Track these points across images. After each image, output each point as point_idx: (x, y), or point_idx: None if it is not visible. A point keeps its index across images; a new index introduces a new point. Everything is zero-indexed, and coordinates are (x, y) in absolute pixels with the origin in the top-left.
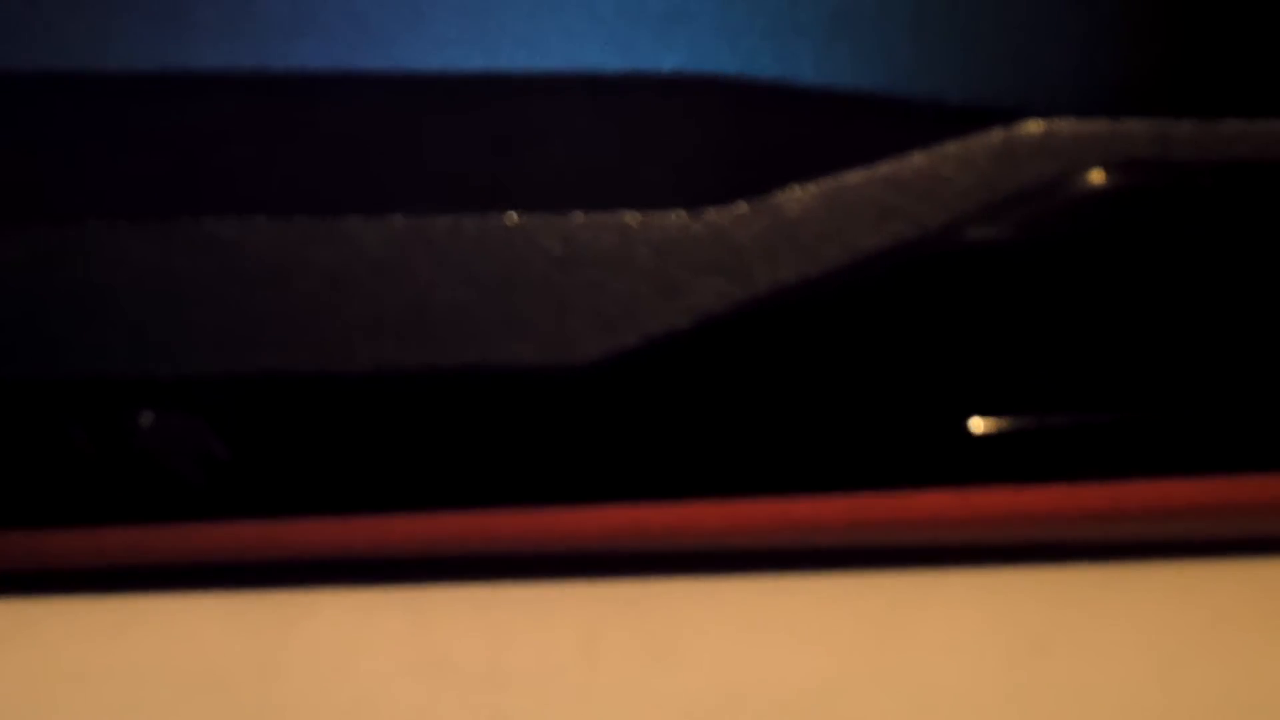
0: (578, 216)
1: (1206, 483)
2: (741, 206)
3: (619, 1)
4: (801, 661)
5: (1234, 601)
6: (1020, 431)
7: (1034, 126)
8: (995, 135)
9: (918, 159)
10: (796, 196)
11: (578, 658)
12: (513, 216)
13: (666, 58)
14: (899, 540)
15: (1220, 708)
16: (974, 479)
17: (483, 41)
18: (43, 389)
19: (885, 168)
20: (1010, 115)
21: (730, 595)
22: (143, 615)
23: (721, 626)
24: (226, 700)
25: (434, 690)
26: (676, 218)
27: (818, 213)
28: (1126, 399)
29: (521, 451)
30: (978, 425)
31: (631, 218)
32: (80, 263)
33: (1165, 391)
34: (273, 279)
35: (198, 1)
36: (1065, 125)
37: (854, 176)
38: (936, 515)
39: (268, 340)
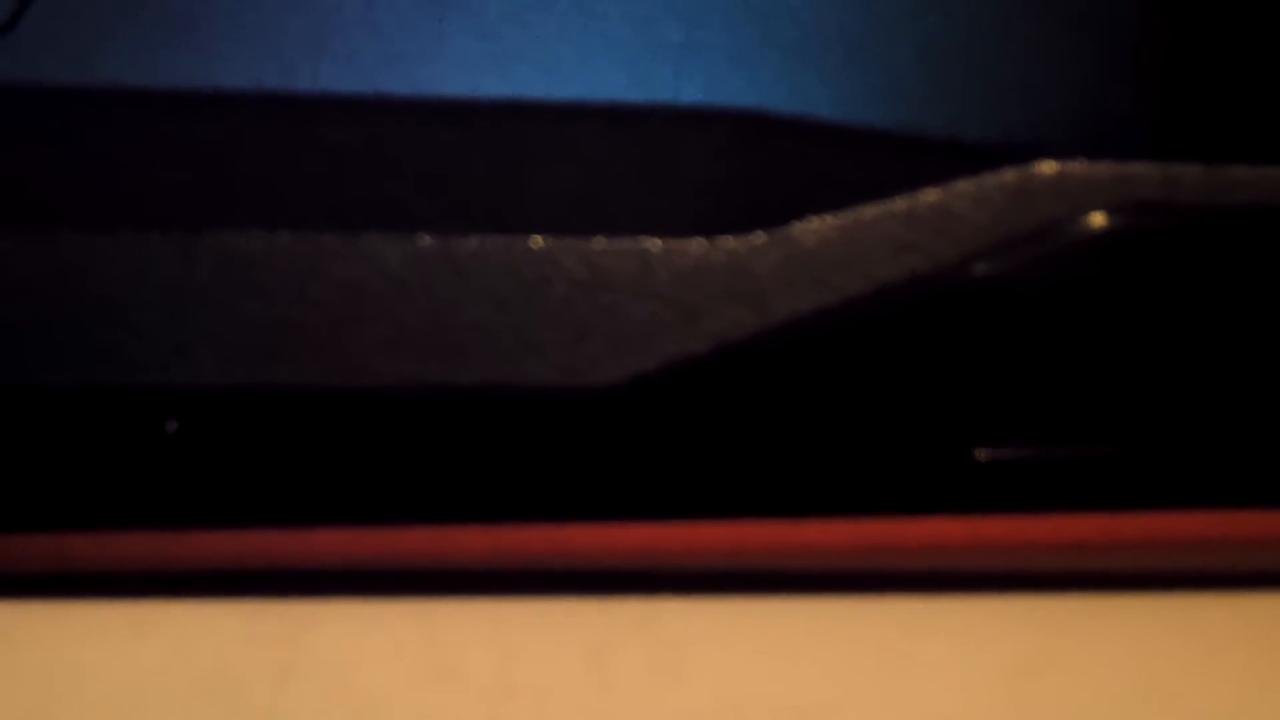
0: (599, 241)
1: (1203, 516)
2: (759, 236)
3: (638, 32)
4: (804, 682)
5: (1228, 634)
6: (1023, 462)
7: (1047, 167)
8: (1008, 174)
9: (932, 195)
10: (813, 228)
11: (585, 673)
12: (537, 240)
13: (685, 89)
14: (903, 566)
15: None
16: (977, 508)
17: (503, 67)
18: (67, 396)
19: (900, 202)
20: (1023, 155)
21: (736, 615)
22: (156, 620)
23: (727, 646)
24: (237, 706)
25: (442, 701)
26: (696, 245)
27: (834, 244)
28: (1127, 433)
29: (536, 469)
30: (982, 455)
31: (652, 244)
32: (106, 273)
33: (1164, 427)
34: (295, 294)
35: (224, 21)
36: (1077, 167)
37: (870, 210)
38: (940, 542)
39: (289, 353)
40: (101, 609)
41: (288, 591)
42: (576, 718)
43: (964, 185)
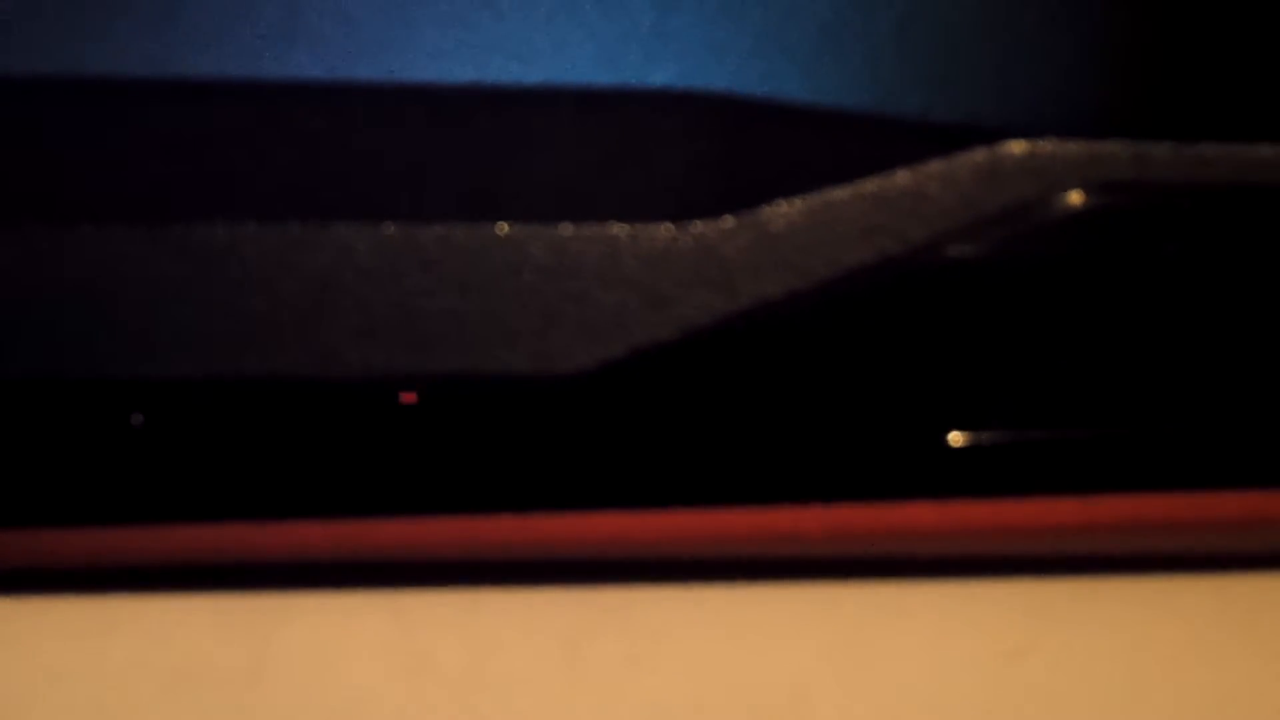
0: (566, 228)
1: (1180, 499)
2: (728, 221)
3: (609, 17)
4: (779, 669)
5: (1208, 617)
6: (998, 445)
7: (1017, 147)
8: (979, 154)
9: (902, 177)
10: (783, 212)
11: (559, 663)
12: (503, 227)
13: (655, 73)
14: (877, 551)
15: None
16: (952, 492)
17: (473, 53)
18: (33, 389)
19: (870, 184)
20: (993, 135)
21: (711, 603)
22: (127, 616)
23: (702, 633)
24: (209, 700)
25: (416, 693)
26: (664, 231)
27: (803, 228)
28: (1103, 415)
29: (507, 459)
30: (956, 439)
31: (620, 229)
32: (71, 265)
33: (1141, 408)
34: (263, 284)
35: (190, 8)
36: (1047, 146)
37: (839, 193)
38: (914, 527)
39: (257, 344)
40: (71, 605)
41: (260, 585)
42: (551, 707)
43: (935, 166)
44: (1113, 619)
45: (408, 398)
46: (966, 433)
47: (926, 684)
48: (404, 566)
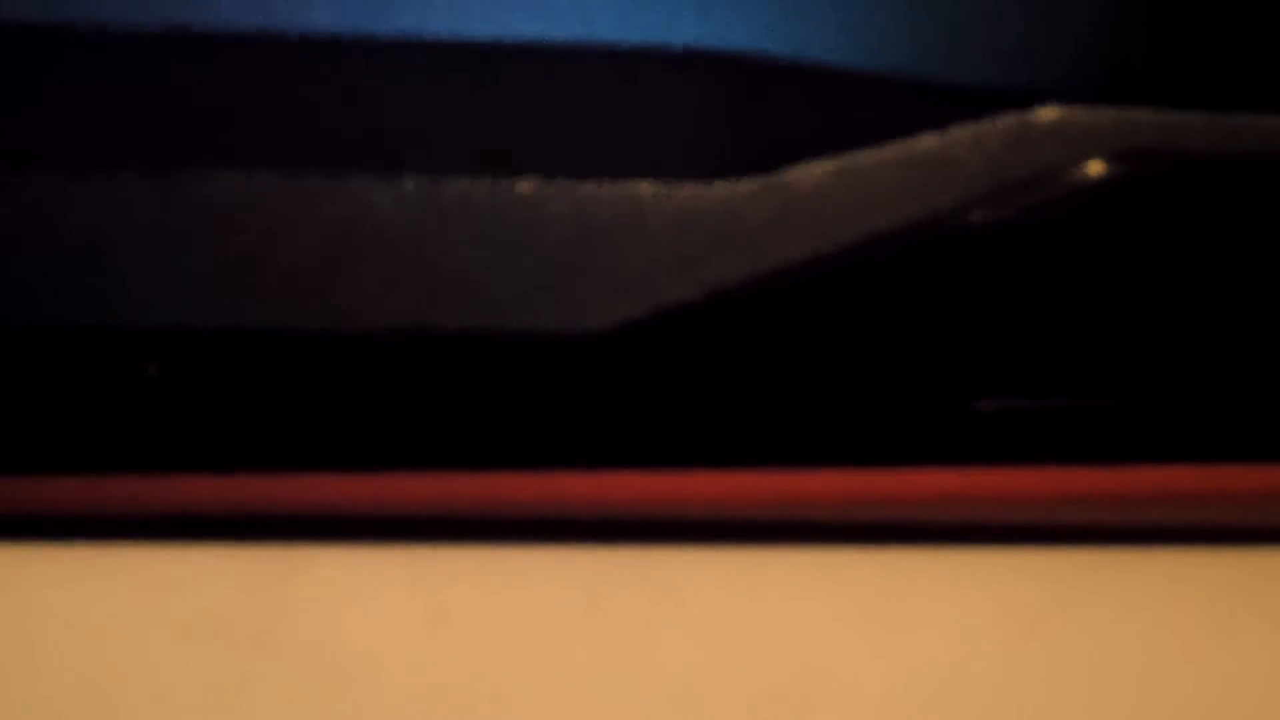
0: (590, 186)
1: (1205, 470)
2: (754, 182)
3: None
4: (798, 632)
5: (1230, 589)
6: (1022, 413)
7: (1047, 113)
8: (1008, 120)
9: (929, 141)
10: (809, 174)
11: (580, 619)
12: (526, 184)
13: (680, 33)
14: (900, 517)
15: (1209, 692)
16: (977, 459)
17: (495, 9)
18: (49, 338)
19: (897, 148)
20: (1023, 100)
21: (733, 565)
22: (138, 565)
23: (722, 594)
24: (221, 651)
25: (431, 648)
26: (689, 191)
27: (829, 191)
28: (1128, 385)
29: (529, 417)
30: (982, 406)
31: (644, 188)
32: (87, 215)
33: (1167, 378)
34: (281, 236)
35: None
36: (1078, 113)
37: (866, 156)
38: (939, 493)
39: (274, 296)
40: (82, 552)
41: (277, 537)
42: (570, 664)
43: (962, 131)
44: (1134, 590)
45: None
46: (991, 399)
47: (947, 650)
48: (421, 522)
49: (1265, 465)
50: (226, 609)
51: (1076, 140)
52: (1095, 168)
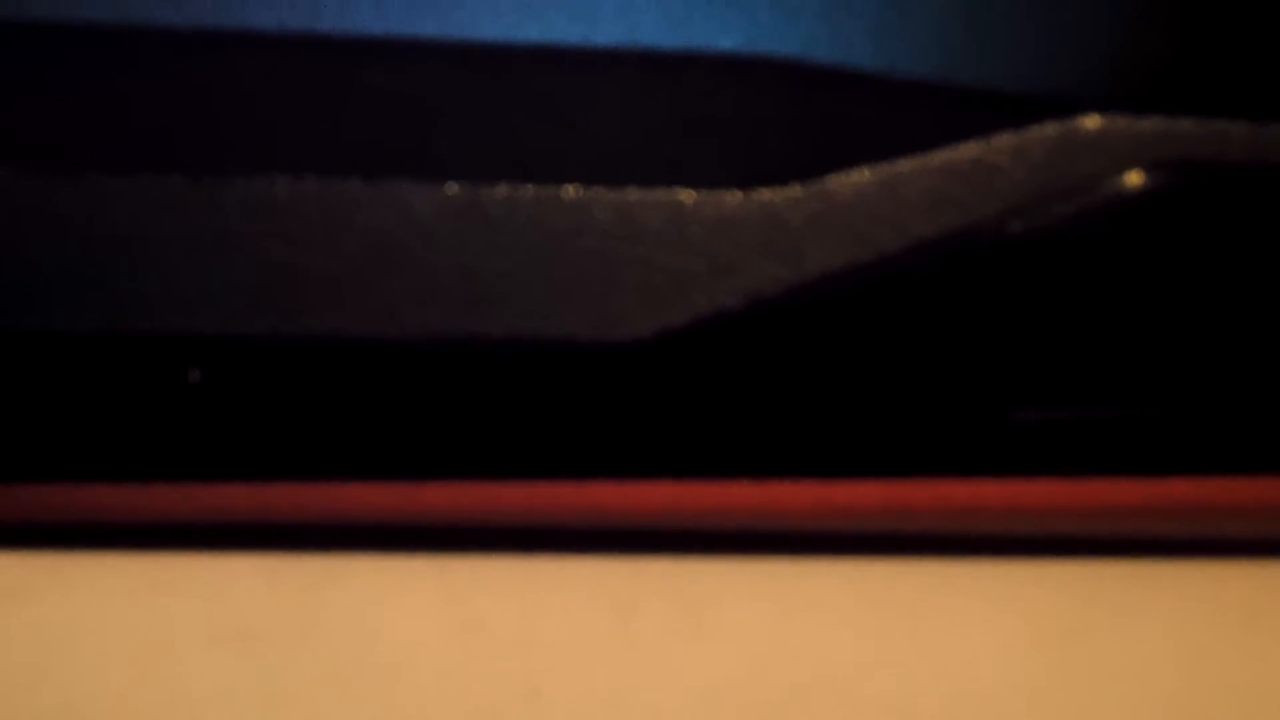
0: (632, 192)
1: (1244, 482)
2: (795, 189)
3: None
4: (832, 643)
5: (1259, 602)
6: (1062, 424)
7: (1090, 122)
8: (1050, 128)
9: (971, 148)
10: (850, 181)
11: (612, 630)
12: (569, 189)
13: (723, 37)
14: (936, 529)
15: (1246, 707)
16: (1014, 470)
17: (538, 12)
18: (91, 343)
19: (939, 156)
20: (1065, 109)
21: (765, 576)
22: (177, 573)
23: (756, 606)
24: (258, 660)
25: (464, 656)
26: (730, 198)
27: (870, 198)
28: (1170, 396)
29: (565, 425)
30: (1020, 416)
31: (686, 195)
32: (130, 218)
33: (1209, 390)
34: (323, 241)
35: None
36: (1120, 122)
37: (907, 163)
38: (975, 505)
39: (315, 302)
40: (122, 561)
41: (310, 546)
42: (601, 674)
43: (1004, 139)
44: (1174, 603)
45: None
46: (1030, 410)
47: (981, 663)
48: (456, 531)
49: None
50: (262, 617)
51: (1119, 149)
52: (1134, 178)
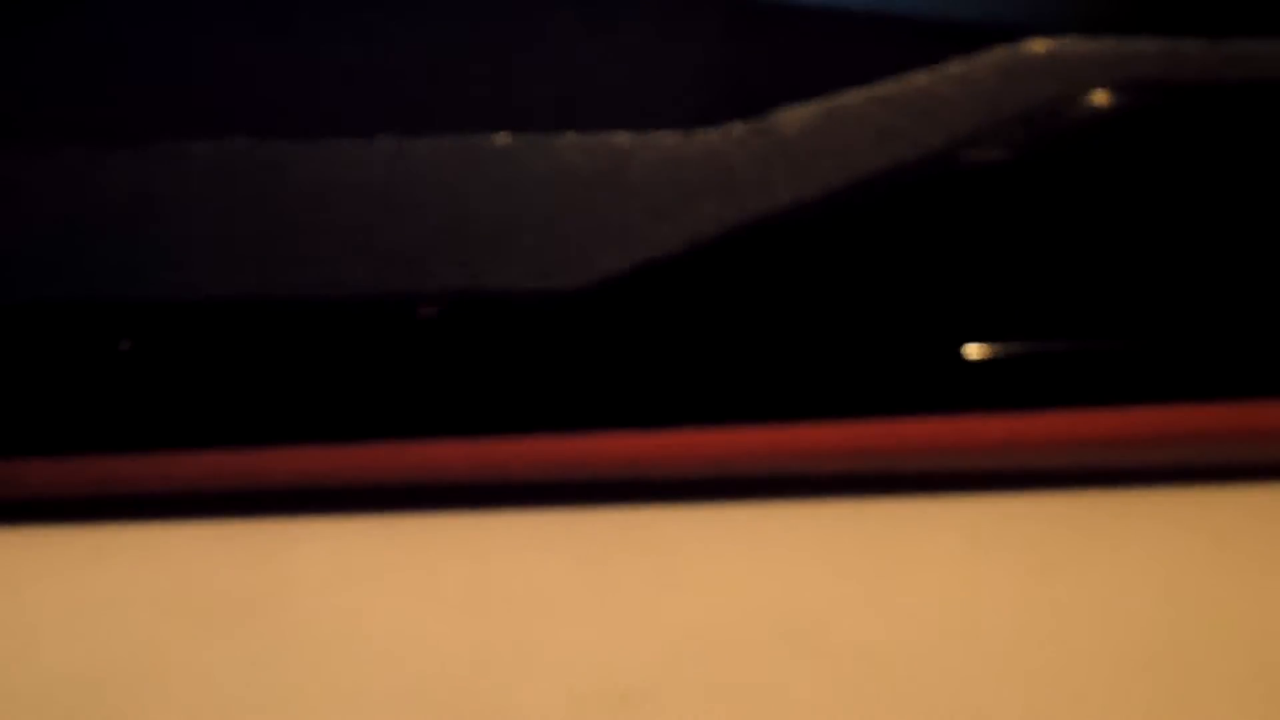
0: (569, 137)
1: (1205, 409)
2: (737, 127)
3: None
4: (801, 586)
5: (1234, 526)
6: (1017, 358)
7: (1038, 45)
8: (998, 54)
9: (919, 79)
10: (793, 117)
11: (575, 583)
12: (502, 137)
13: None
14: (896, 468)
15: (1222, 632)
16: (971, 406)
17: None
18: (19, 314)
19: (885, 87)
20: (1014, 33)
21: (728, 521)
22: (120, 544)
23: (721, 551)
24: (208, 629)
25: (422, 617)
26: (670, 139)
27: (815, 133)
28: (1125, 325)
29: (512, 378)
30: (974, 351)
31: (624, 139)
32: (53, 186)
33: (1164, 317)
34: (252, 203)
35: None
36: (1070, 44)
37: (853, 96)
38: (933, 443)
39: (246, 264)
40: (62, 534)
41: (262, 511)
42: (567, 626)
43: (953, 67)
44: (1140, 531)
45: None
46: (985, 345)
47: (954, 600)
48: (409, 491)
49: (1269, 401)
50: (211, 585)
51: (1069, 73)
52: (1092, 100)
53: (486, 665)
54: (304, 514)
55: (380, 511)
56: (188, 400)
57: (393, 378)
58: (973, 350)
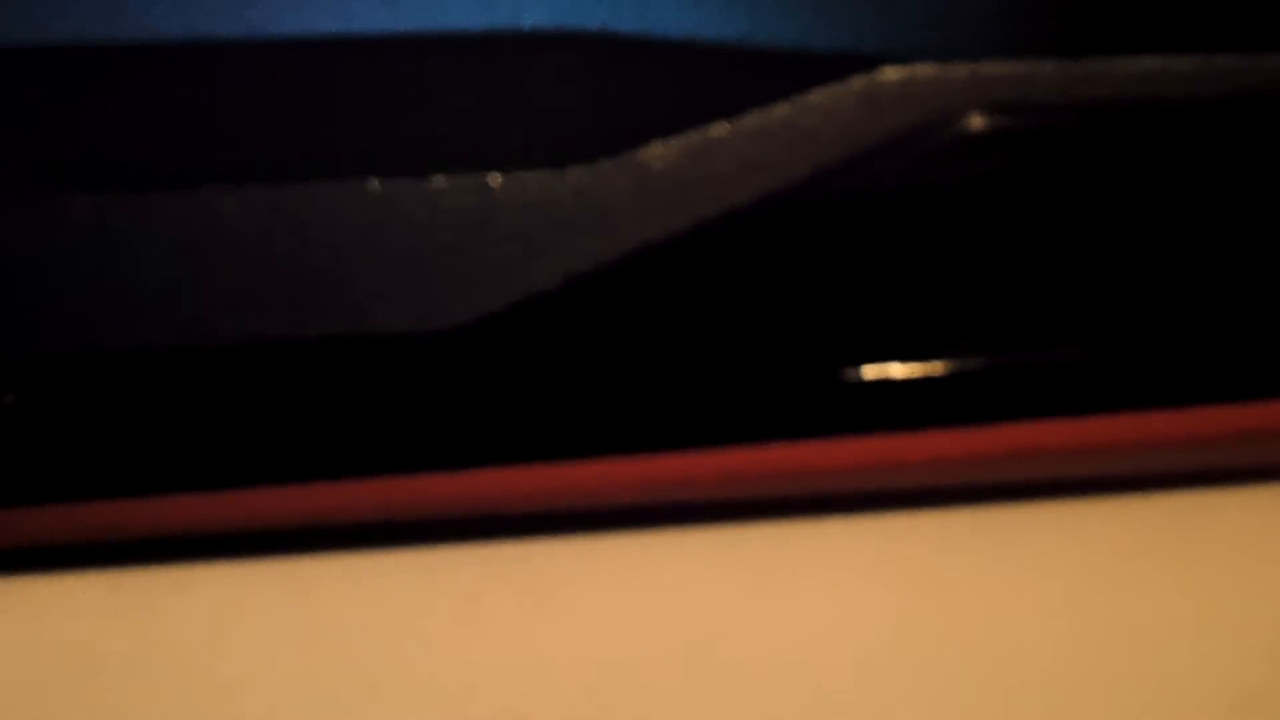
0: (439, 180)
1: (1082, 424)
2: (605, 164)
3: None
4: (682, 614)
5: (1121, 539)
6: (893, 380)
7: (893, 73)
8: (856, 83)
9: (781, 110)
10: (660, 152)
11: (457, 619)
12: (373, 182)
13: (527, 14)
14: (772, 493)
15: (1111, 643)
16: (848, 429)
17: (337, 1)
18: None
19: (750, 120)
20: (871, 62)
21: (608, 552)
22: (9, 596)
23: (601, 583)
24: (99, 678)
25: (311, 660)
26: (540, 178)
27: (682, 167)
28: (999, 342)
29: (390, 419)
30: (848, 375)
31: (494, 179)
32: None
33: (1037, 334)
34: (126, 252)
35: None
36: (926, 70)
37: (718, 129)
38: (807, 467)
39: (121, 315)
40: None
41: (144, 560)
42: (451, 663)
43: (814, 97)
44: (1024, 545)
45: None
46: (858, 368)
47: (833, 619)
48: (290, 535)
49: (1141, 413)
50: (96, 635)
51: (927, 98)
52: (950, 124)
53: (365, 700)
54: (184, 562)
55: (258, 557)
56: (66, 453)
57: (269, 422)
58: (849, 373)
